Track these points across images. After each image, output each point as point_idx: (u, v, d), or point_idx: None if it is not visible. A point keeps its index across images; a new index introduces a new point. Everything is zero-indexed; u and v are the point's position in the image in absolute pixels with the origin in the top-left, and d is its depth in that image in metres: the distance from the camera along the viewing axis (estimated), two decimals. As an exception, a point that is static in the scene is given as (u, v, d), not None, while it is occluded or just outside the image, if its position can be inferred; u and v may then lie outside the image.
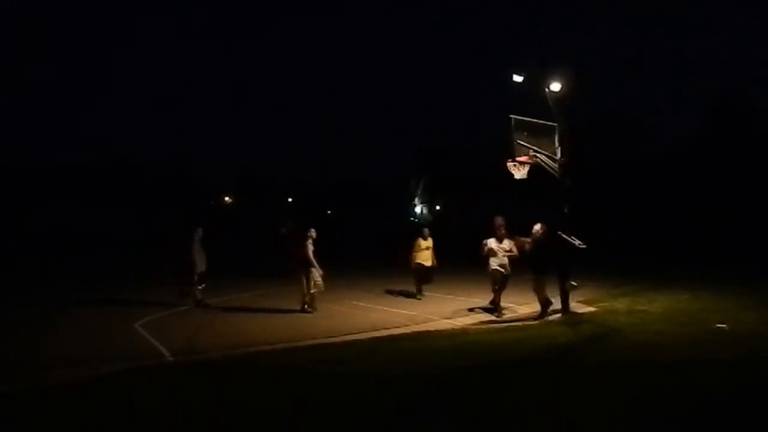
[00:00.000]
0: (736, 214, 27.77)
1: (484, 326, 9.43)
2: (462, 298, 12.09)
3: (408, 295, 12.66)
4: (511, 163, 10.36)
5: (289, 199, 64.25)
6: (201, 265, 11.47)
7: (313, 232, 10.96)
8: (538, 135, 10.30)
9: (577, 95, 11.97)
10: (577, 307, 10.60)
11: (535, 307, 10.50)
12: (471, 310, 10.93)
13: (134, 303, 11.85)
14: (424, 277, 12.24)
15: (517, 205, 22.31)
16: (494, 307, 10.40)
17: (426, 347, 7.80)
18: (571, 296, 10.18)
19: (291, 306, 11.33)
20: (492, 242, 10.27)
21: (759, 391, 5.59)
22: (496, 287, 10.25)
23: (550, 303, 9.96)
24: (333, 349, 7.79)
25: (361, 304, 11.46)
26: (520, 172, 10.40)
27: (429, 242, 12.28)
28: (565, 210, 10.19)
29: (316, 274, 10.71)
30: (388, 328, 9.21)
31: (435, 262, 12.31)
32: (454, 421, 4.87)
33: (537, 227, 10.04)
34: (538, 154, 10.18)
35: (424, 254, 12.19)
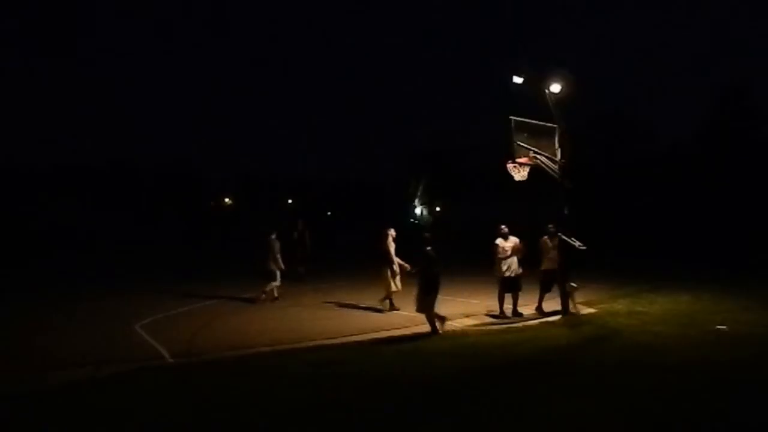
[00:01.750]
0: (736, 214, 27.77)
1: (483, 328, 9.44)
2: (461, 300, 12.06)
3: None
4: (512, 165, 10.35)
5: (289, 201, 64.16)
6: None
7: (392, 231, 10.99)
8: (538, 136, 10.29)
9: (578, 96, 11.91)
10: (577, 308, 10.59)
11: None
12: None
13: (135, 303, 11.85)
14: (550, 286, 10.41)
15: (517, 206, 22.37)
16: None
17: (426, 348, 7.82)
18: (571, 298, 10.18)
19: (291, 307, 11.32)
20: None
21: (759, 392, 5.60)
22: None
23: (439, 318, 9.02)
24: (333, 350, 7.81)
25: (362, 305, 11.45)
26: (520, 174, 10.40)
27: (556, 241, 10.31)
28: (565, 211, 10.19)
29: (395, 272, 10.68)
30: (388, 330, 9.21)
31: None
32: (454, 421, 4.88)
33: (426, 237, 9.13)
34: (538, 156, 10.18)
35: (553, 255, 10.33)
